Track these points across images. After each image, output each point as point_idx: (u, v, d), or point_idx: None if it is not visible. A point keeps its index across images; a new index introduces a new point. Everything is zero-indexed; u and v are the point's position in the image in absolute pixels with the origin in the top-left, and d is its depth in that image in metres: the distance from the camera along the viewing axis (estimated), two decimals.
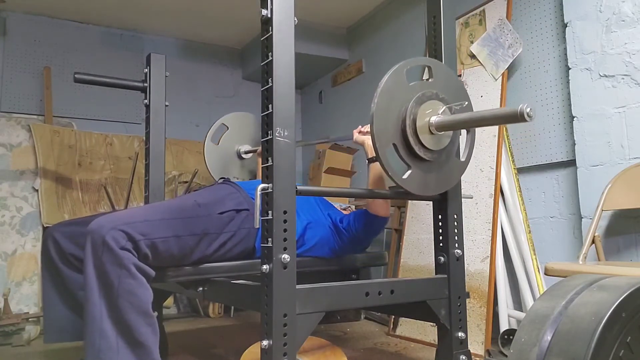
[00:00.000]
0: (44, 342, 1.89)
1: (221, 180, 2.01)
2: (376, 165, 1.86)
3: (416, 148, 1.39)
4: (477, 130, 2.45)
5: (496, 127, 2.36)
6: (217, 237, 1.65)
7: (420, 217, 2.66)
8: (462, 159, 1.56)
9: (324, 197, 2.10)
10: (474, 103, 2.48)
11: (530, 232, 2.30)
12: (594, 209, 1.86)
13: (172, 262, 1.58)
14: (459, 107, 1.47)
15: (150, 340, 1.39)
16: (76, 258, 1.82)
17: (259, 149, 2.45)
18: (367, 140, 1.91)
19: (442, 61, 1.63)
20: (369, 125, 1.94)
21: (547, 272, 1.60)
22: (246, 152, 2.63)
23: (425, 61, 1.54)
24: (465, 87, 2.56)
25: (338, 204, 2.24)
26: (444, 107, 1.44)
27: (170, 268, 1.61)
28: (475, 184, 2.39)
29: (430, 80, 1.48)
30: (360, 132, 1.99)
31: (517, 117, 1.20)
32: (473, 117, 1.36)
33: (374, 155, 1.87)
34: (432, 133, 1.42)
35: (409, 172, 1.41)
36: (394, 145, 1.38)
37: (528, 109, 1.18)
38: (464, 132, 1.56)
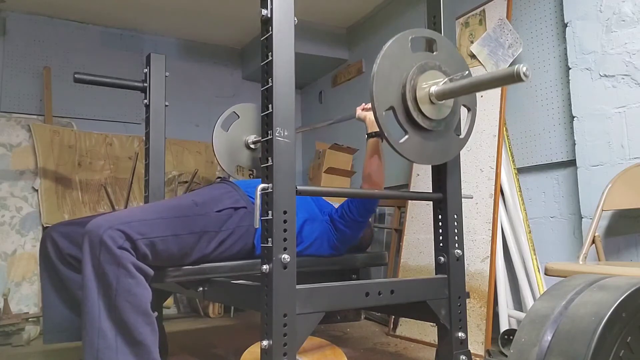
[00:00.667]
0: (43, 342, 1.89)
1: (218, 180, 2.01)
2: (374, 141, 1.92)
3: (414, 114, 1.39)
4: (477, 130, 2.45)
5: (496, 127, 2.36)
6: (215, 235, 1.66)
7: (420, 217, 2.66)
8: (462, 135, 1.56)
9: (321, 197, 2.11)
10: None
11: (530, 232, 2.30)
12: (594, 209, 1.86)
13: (172, 261, 1.58)
14: (460, 77, 1.47)
15: (150, 339, 1.39)
16: (74, 258, 1.82)
17: None
18: (369, 115, 1.96)
19: None
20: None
21: (547, 272, 1.60)
22: (254, 142, 2.64)
23: (429, 33, 1.54)
24: None
25: (338, 204, 2.24)
26: (445, 79, 1.44)
27: (170, 268, 1.61)
28: (475, 184, 2.38)
29: (434, 53, 1.48)
30: (363, 108, 2.05)
31: (514, 77, 1.20)
32: (472, 82, 1.35)
33: (374, 130, 1.91)
34: (432, 102, 1.42)
35: (406, 137, 1.40)
36: (393, 108, 1.38)
37: (524, 69, 1.18)
38: (464, 112, 1.57)
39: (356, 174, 3.57)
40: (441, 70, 1.46)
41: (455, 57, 1.54)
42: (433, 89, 1.41)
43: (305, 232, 1.88)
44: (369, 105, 1.98)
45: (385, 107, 1.36)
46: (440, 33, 1.64)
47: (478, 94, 2.48)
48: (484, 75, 1.33)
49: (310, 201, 2.01)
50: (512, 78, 1.21)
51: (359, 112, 2.07)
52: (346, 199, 1.97)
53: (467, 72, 1.52)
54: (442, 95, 1.41)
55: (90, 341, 1.35)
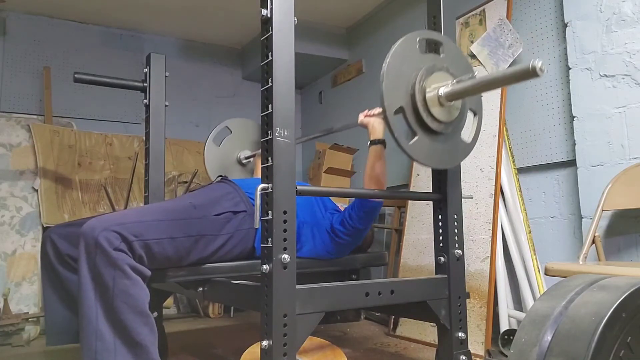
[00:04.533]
0: (46, 345, 1.89)
1: (219, 179, 2.00)
2: (377, 148, 1.88)
3: (424, 115, 1.37)
4: None
5: (496, 127, 2.36)
6: (214, 239, 1.64)
7: (420, 217, 2.66)
8: (469, 140, 1.55)
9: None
10: None
11: (530, 232, 2.30)
12: (594, 209, 1.86)
13: (168, 263, 1.57)
14: (468, 79, 1.46)
15: (148, 340, 1.38)
16: (73, 259, 1.82)
17: (258, 151, 2.45)
18: (373, 122, 1.92)
19: None
20: (374, 109, 1.94)
21: (547, 272, 1.60)
22: (246, 158, 2.63)
23: (437, 36, 1.54)
24: None
25: (339, 204, 2.24)
26: (453, 81, 1.43)
27: (170, 268, 1.60)
28: (475, 184, 2.38)
29: (441, 55, 1.48)
30: (366, 115, 2.00)
31: (530, 73, 1.18)
32: (484, 80, 1.33)
33: (377, 138, 1.88)
34: (441, 104, 1.40)
35: (416, 138, 1.38)
36: (402, 109, 1.36)
37: (540, 63, 1.16)
38: (470, 117, 1.56)
39: (356, 174, 3.57)
40: (449, 72, 1.45)
41: (461, 60, 1.54)
42: (442, 90, 1.40)
43: (303, 236, 1.87)
44: (373, 111, 1.96)
45: (395, 107, 1.34)
46: (441, 33, 1.64)
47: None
48: (498, 72, 1.31)
49: (314, 205, 2.00)
50: (527, 74, 1.19)
51: (361, 117, 2.01)
52: (345, 208, 1.95)
53: (475, 73, 1.51)
54: (453, 96, 1.39)
55: (88, 343, 1.34)
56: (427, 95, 1.38)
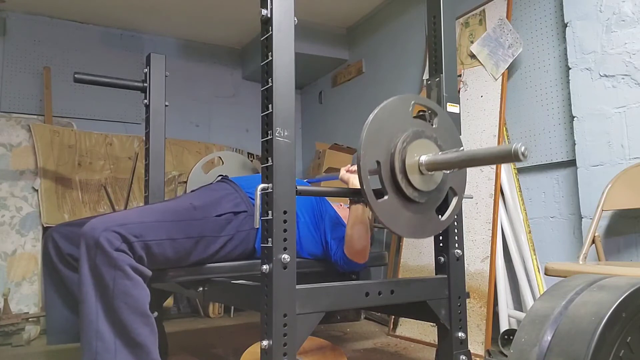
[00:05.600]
0: (47, 344, 1.89)
1: (219, 178, 1.99)
2: (357, 208, 1.77)
3: (399, 177, 1.32)
4: (477, 130, 2.45)
5: (496, 127, 2.36)
6: (215, 240, 1.64)
7: None
8: (443, 218, 1.47)
9: (324, 197, 2.10)
10: (474, 103, 2.49)
11: (530, 232, 2.30)
12: (594, 209, 1.86)
13: (168, 264, 1.57)
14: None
15: (149, 340, 1.38)
16: (74, 258, 1.82)
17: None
18: (353, 179, 1.83)
19: (442, 62, 1.63)
20: (355, 165, 1.89)
21: (547, 272, 1.60)
22: None
23: (434, 106, 1.49)
24: (465, 87, 2.56)
25: (338, 204, 2.24)
26: (438, 152, 1.38)
27: (170, 268, 1.60)
28: (475, 184, 2.38)
29: (433, 126, 1.44)
30: (348, 170, 1.91)
31: (511, 157, 1.13)
32: (466, 155, 1.28)
33: (357, 196, 1.72)
34: (421, 172, 1.35)
35: (385, 197, 1.31)
36: (379, 163, 1.31)
37: (522, 148, 1.11)
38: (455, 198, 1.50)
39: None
40: (436, 144, 1.40)
41: (452, 135, 1.49)
42: (424, 157, 1.34)
43: (303, 240, 1.87)
44: (354, 167, 1.85)
45: (372, 159, 1.29)
46: (440, 34, 1.64)
47: (477, 93, 2.49)
48: (480, 150, 1.24)
49: (313, 203, 2.00)
50: (509, 157, 1.14)
51: (342, 172, 1.92)
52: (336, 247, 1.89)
53: (462, 148, 1.44)
54: (433, 166, 1.34)
55: (88, 343, 1.34)
56: (408, 159, 1.33)
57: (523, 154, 1.12)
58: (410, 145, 1.34)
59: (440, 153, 1.37)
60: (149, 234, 1.47)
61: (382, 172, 1.32)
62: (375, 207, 1.30)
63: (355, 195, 1.63)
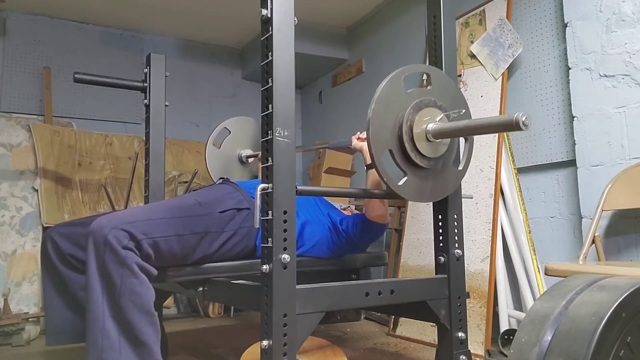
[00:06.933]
0: (45, 345, 1.89)
1: (220, 180, 2.01)
2: (374, 172, 1.84)
3: (412, 155, 1.39)
4: None
5: None
6: (218, 236, 1.65)
7: (420, 217, 2.66)
8: (460, 167, 1.55)
9: (324, 197, 2.10)
10: (474, 103, 2.49)
11: (530, 232, 2.30)
12: (594, 209, 1.86)
13: (174, 261, 1.57)
14: (457, 115, 1.47)
15: (152, 339, 1.39)
16: (75, 258, 1.82)
17: (260, 153, 2.45)
18: (365, 146, 1.89)
19: (442, 62, 1.63)
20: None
21: (547, 272, 1.60)
22: (248, 157, 2.63)
23: (424, 68, 1.53)
24: (465, 87, 2.56)
25: (338, 204, 2.24)
26: (442, 115, 1.43)
27: (170, 268, 1.60)
28: (475, 184, 2.38)
29: (428, 87, 1.47)
30: (358, 138, 1.99)
31: (512, 126, 1.19)
32: (469, 125, 1.35)
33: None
34: (429, 140, 1.41)
35: (405, 178, 1.40)
36: (390, 151, 1.37)
37: (523, 118, 1.17)
38: (462, 140, 1.56)
39: (356, 174, 3.57)
40: (437, 106, 1.45)
41: (450, 90, 1.52)
42: (430, 126, 1.40)
43: (305, 235, 1.87)
44: (364, 135, 1.93)
45: (383, 151, 1.36)
46: (440, 34, 1.64)
47: (477, 93, 2.49)
48: (482, 120, 1.33)
49: (315, 205, 2.00)
50: (510, 126, 1.20)
51: (354, 141, 2.01)
52: (355, 210, 1.94)
53: (464, 110, 1.50)
54: (439, 135, 1.41)
55: (94, 341, 1.35)
56: (415, 132, 1.39)
57: (524, 123, 1.18)
58: (413, 120, 1.39)
59: (443, 116, 1.43)
60: (156, 231, 1.48)
61: (396, 156, 1.39)
62: (399, 190, 1.39)
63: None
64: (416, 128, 1.39)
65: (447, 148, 1.47)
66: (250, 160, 2.64)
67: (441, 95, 1.48)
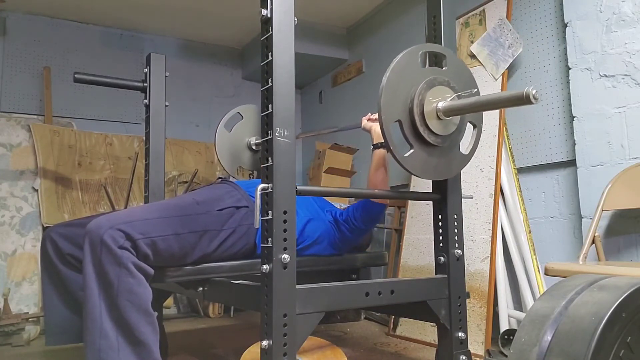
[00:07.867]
0: (45, 344, 1.89)
1: (219, 180, 2.01)
2: (380, 152, 1.91)
3: (421, 129, 1.40)
4: None
5: (496, 127, 2.36)
6: (217, 234, 1.65)
7: (420, 217, 2.66)
8: (466, 152, 1.56)
9: (323, 197, 2.10)
10: None
11: (530, 232, 2.30)
12: (594, 209, 1.86)
13: (173, 260, 1.57)
14: (468, 95, 1.47)
15: (151, 339, 1.39)
16: (75, 258, 1.82)
17: None
18: (375, 126, 1.96)
19: (441, 61, 1.63)
20: (376, 113, 1.97)
21: (547, 272, 1.60)
22: (256, 144, 2.64)
23: (440, 49, 1.55)
24: None
25: (338, 204, 2.24)
26: (453, 95, 1.45)
27: (170, 268, 1.60)
28: (475, 184, 2.38)
29: (444, 68, 1.49)
30: (369, 119, 2.04)
31: (523, 100, 1.21)
32: (480, 101, 1.36)
33: (380, 141, 1.90)
34: (439, 118, 1.43)
35: (411, 151, 1.42)
36: (400, 122, 1.39)
37: (534, 91, 1.19)
38: (469, 128, 1.56)
39: (356, 174, 3.57)
40: (449, 86, 1.47)
41: (464, 74, 1.55)
42: (441, 104, 1.42)
43: (308, 230, 1.88)
44: (375, 116, 1.98)
45: (393, 120, 1.37)
46: (440, 34, 1.64)
47: None
48: (493, 95, 1.34)
49: (313, 203, 2.01)
50: (520, 100, 1.22)
51: (364, 122, 2.06)
52: (349, 204, 1.97)
53: (475, 89, 1.53)
54: (450, 112, 1.42)
55: (92, 341, 1.35)
56: (426, 108, 1.40)
57: (534, 97, 1.20)
58: (425, 95, 1.41)
59: (454, 96, 1.45)
60: (154, 231, 1.47)
61: (404, 128, 1.40)
62: (404, 161, 1.40)
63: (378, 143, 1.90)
64: (427, 104, 1.41)
65: (456, 129, 1.48)
66: (258, 147, 2.65)
67: (455, 77, 1.50)
